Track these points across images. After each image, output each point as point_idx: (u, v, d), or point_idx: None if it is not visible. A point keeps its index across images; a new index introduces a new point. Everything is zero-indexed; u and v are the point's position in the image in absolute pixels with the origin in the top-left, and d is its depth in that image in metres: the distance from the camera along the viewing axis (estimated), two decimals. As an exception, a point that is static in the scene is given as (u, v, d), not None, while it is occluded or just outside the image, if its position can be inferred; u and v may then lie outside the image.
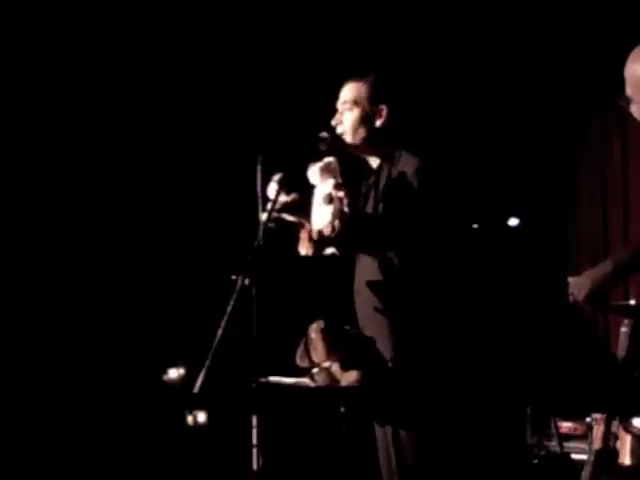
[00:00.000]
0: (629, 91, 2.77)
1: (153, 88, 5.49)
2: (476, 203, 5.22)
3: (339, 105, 3.60)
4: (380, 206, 3.52)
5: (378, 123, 3.54)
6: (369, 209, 3.58)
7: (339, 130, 3.57)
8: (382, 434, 3.53)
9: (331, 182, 3.36)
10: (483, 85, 5.63)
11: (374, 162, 3.63)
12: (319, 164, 3.44)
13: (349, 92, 3.58)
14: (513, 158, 5.68)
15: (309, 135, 3.62)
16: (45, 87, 5.35)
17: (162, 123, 5.53)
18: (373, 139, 3.55)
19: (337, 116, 3.58)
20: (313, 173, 3.45)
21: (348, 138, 3.56)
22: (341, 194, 3.29)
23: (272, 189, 3.40)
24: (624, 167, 5.55)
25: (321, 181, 3.41)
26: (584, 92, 5.55)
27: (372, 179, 3.62)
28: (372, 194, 3.59)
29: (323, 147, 3.57)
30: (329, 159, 3.44)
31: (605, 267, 2.71)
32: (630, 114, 2.80)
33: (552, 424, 4.38)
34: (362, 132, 3.54)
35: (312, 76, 5.29)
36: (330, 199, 3.31)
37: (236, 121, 5.48)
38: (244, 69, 5.53)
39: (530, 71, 5.59)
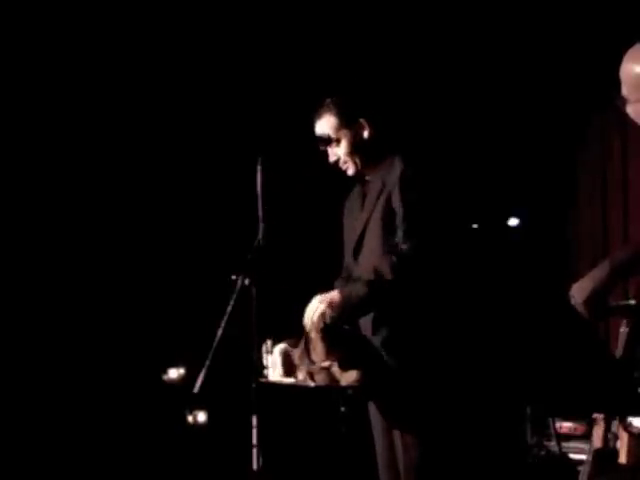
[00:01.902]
0: (625, 91, 2.74)
1: (153, 89, 5.49)
2: (474, 203, 5.23)
3: (325, 145, 3.56)
4: (373, 215, 3.50)
5: (366, 135, 3.53)
6: (362, 219, 3.55)
7: (342, 165, 3.55)
8: (380, 436, 3.54)
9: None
10: (483, 85, 5.63)
11: (370, 172, 3.61)
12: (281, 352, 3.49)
13: (325, 129, 3.53)
14: (513, 158, 5.67)
15: (309, 135, 3.62)
16: (45, 87, 5.35)
17: (162, 124, 5.53)
18: (372, 152, 3.53)
19: (331, 156, 3.56)
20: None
21: (353, 166, 3.54)
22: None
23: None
24: (624, 167, 5.54)
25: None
26: (584, 92, 5.54)
27: (365, 188, 3.61)
28: (366, 202, 3.58)
29: (323, 147, 3.58)
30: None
31: (603, 269, 2.70)
32: (627, 115, 2.78)
33: (551, 425, 4.38)
34: (360, 153, 3.53)
35: (312, 77, 5.29)
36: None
37: (236, 122, 5.48)
38: (244, 70, 5.53)
39: (530, 71, 5.58)
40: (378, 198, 3.50)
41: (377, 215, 3.49)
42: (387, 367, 3.41)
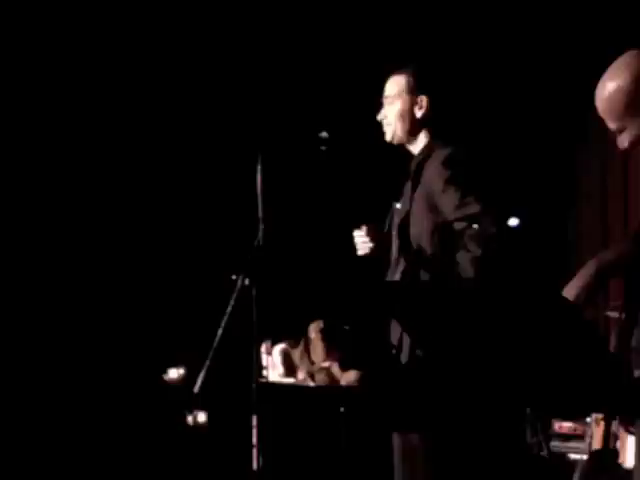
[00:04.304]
0: (613, 125, 2.60)
1: (154, 88, 5.49)
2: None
3: (383, 100, 3.60)
4: (414, 203, 3.49)
5: (419, 114, 3.55)
6: (405, 203, 3.55)
7: (385, 126, 3.57)
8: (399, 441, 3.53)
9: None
10: (484, 86, 5.63)
11: (405, 148, 3.64)
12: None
13: (390, 86, 3.60)
14: (513, 158, 5.67)
15: (309, 135, 3.62)
16: (45, 87, 5.35)
17: (162, 123, 5.53)
18: (415, 130, 3.56)
19: (382, 111, 3.59)
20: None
21: (392, 131, 3.56)
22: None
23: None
24: (624, 167, 5.54)
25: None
26: (584, 91, 5.53)
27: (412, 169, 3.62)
28: (409, 186, 3.58)
29: (322, 147, 3.58)
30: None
31: (588, 270, 2.69)
32: (630, 149, 2.62)
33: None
34: (405, 124, 3.55)
35: (312, 76, 5.29)
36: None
37: (236, 120, 5.48)
38: (245, 69, 5.53)
39: (531, 71, 5.58)
40: (419, 180, 3.50)
41: (421, 192, 3.49)
42: (389, 368, 3.40)
